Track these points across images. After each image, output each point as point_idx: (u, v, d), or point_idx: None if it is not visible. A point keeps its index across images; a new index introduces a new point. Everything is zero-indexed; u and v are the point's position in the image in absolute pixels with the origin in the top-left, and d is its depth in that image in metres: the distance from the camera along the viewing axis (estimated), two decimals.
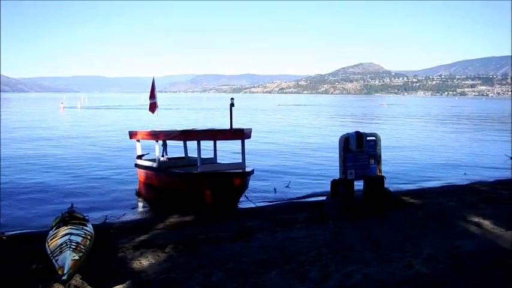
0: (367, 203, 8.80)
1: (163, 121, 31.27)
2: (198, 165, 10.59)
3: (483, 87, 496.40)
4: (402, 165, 16.80)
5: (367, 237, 6.74)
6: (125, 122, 40.63)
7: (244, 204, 10.81)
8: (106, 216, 9.34)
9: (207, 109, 76.29)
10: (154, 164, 12.28)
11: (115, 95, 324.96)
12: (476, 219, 7.70)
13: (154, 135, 12.48)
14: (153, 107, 13.62)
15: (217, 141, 12.70)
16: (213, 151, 12.77)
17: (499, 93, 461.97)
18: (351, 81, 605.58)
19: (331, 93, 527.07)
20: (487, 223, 7.45)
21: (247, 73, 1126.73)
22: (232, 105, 10.84)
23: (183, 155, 13.71)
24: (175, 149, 14.28)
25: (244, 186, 10.42)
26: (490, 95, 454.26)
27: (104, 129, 32.29)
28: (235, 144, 12.02)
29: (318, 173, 14.91)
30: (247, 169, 10.72)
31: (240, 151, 11.26)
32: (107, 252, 6.30)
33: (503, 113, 75.75)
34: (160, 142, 12.77)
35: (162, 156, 12.80)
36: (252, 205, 10.67)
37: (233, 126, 10.89)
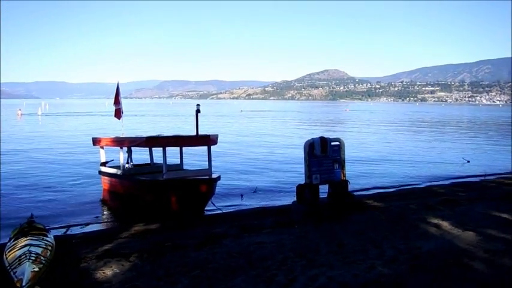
0: (332, 207, 8.96)
1: (129, 127, 30.75)
2: (164, 172, 10.48)
3: (442, 94, 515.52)
4: (365, 170, 17.23)
5: (331, 240, 6.86)
6: (88, 128, 39.62)
7: (211, 210, 10.77)
8: (68, 225, 9.08)
9: (173, 115, 75.50)
10: (119, 171, 12.06)
11: (78, 101, 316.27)
12: (435, 221, 7.98)
13: (119, 141, 12.26)
14: (118, 113, 13.38)
15: (184, 148, 12.62)
16: (179, 157, 12.68)
17: (457, 99, 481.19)
18: (317, 87, 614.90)
19: (298, 99, 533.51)
20: (445, 224, 7.74)
21: (214, 79, 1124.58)
22: (198, 111, 10.81)
23: (149, 162, 13.53)
24: (141, 155, 14.07)
25: (210, 192, 10.39)
26: (448, 100, 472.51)
27: (65, 136, 31.36)
28: (202, 151, 11.98)
29: (284, 178, 15.06)
30: (214, 175, 10.70)
31: (207, 157, 11.24)
32: (69, 263, 6.12)
33: (461, 119, 79.06)
34: (125, 149, 12.55)
35: (127, 163, 12.59)
36: (219, 211, 10.65)
37: (199, 132, 10.86)
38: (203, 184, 10.14)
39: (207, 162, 11.22)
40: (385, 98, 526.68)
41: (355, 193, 10.19)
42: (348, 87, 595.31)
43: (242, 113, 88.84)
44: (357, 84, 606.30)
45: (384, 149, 25.89)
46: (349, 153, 10.54)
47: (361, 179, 14.83)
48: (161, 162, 10.96)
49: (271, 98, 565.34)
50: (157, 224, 9.23)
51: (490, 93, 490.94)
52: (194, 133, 10.87)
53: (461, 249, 6.24)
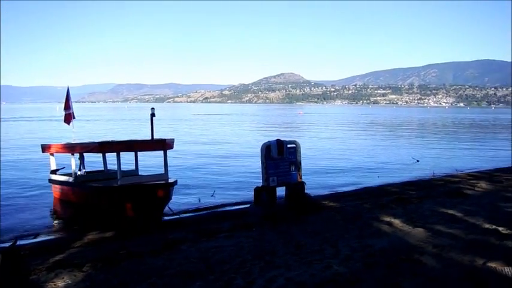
0: (289, 208, 9.09)
1: (81, 133, 29.71)
2: (118, 178, 10.22)
3: (393, 96, 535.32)
4: (321, 171, 17.59)
5: (289, 241, 6.95)
6: (37, 134, 37.86)
7: (168, 215, 10.61)
8: (16, 237, 8.62)
9: (128, 119, 73.69)
10: (71, 179, 11.61)
11: (27, 105, 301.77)
12: (388, 219, 8.28)
13: (70, 148, 11.81)
14: (68, 118, 12.90)
15: (139, 153, 12.36)
16: (134, 163, 12.40)
17: (406, 102, 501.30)
18: (274, 90, 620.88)
19: (255, 102, 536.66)
20: (397, 222, 8.05)
21: (170, 82, 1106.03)
22: (153, 115, 10.64)
23: (102, 169, 13.14)
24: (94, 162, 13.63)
25: (167, 197, 10.23)
26: (399, 103, 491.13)
27: (11, 143, 29.78)
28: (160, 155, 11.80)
29: (242, 181, 15.08)
30: (170, 180, 10.55)
31: (163, 162, 11.07)
32: (17, 276, 5.81)
33: (412, 120, 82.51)
34: (77, 155, 12.11)
35: (79, 170, 12.16)
36: (176, 216, 10.51)
37: (154, 137, 10.68)
38: (159, 189, 9.97)
39: (163, 167, 11.05)
40: (339, 101, 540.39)
41: (312, 194, 10.37)
42: (304, 91, 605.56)
43: (198, 116, 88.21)
44: (312, 88, 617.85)
45: (339, 150, 26.53)
46: (305, 155, 10.72)
47: (318, 180, 15.11)
48: (115, 168, 10.68)
49: (229, 101, 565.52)
50: (112, 231, 8.99)
51: (437, 96, 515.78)
52: (149, 137, 10.68)
53: (412, 245, 6.50)
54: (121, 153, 10.40)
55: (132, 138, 13.77)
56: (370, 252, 6.24)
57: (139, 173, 12.29)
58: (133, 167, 12.43)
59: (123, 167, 10.78)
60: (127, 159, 12.00)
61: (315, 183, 14.01)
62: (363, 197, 11.38)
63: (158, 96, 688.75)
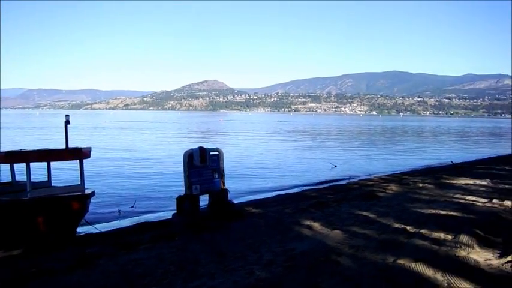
0: (213, 216, 9.04)
1: None
2: (28, 190, 9.44)
3: (313, 104, 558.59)
4: (244, 178, 17.79)
5: (212, 250, 6.91)
6: None
7: (84, 229, 10.02)
8: None
9: (40, 127, 68.63)
10: None
11: None
12: (308, 223, 8.57)
13: None
14: None
15: (52, 163, 11.54)
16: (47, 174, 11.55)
17: (325, 110, 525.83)
18: (197, 97, 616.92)
19: (178, 110, 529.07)
20: (316, 225, 8.36)
21: (88, 88, 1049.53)
22: (67, 122, 10.01)
23: (10, 180, 12.05)
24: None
25: (83, 210, 9.65)
26: (318, 111, 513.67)
27: None
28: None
29: (164, 191, 14.76)
30: (87, 191, 9.98)
31: (79, 172, 10.44)
32: None
33: (330, 127, 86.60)
34: None
35: None
36: (94, 230, 9.97)
37: (69, 145, 10.05)
38: (74, 201, 9.38)
39: (79, 177, 10.42)
40: (262, 109, 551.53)
41: (235, 201, 10.42)
42: (227, 98, 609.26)
43: (118, 124, 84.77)
44: (236, 95, 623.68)
45: (261, 157, 27.03)
46: (227, 162, 10.76)
47: (240, 187, 15.25)
48: (25, 179, 9.85)
49: (151, 108, 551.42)
50: (21, 249, 8.27)
51: (353, 104, 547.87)
52: (63, 146, 10.03)
53: (330, 247, 6.78)
54: (32, 163, 9.62)
55: (44, 147, 12.80)
56: (292, 255, 6.40)
57: (53, 185, 11.47)
58: (46, 178, 11.57)
59: (35, 178, 9.99)
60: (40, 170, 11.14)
61: (238, 190, 14.12)
62: (284, 202, 11.68)
63: (74, 102, 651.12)
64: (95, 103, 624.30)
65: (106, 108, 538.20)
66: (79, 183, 10.38)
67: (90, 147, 10.74)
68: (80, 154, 10.25)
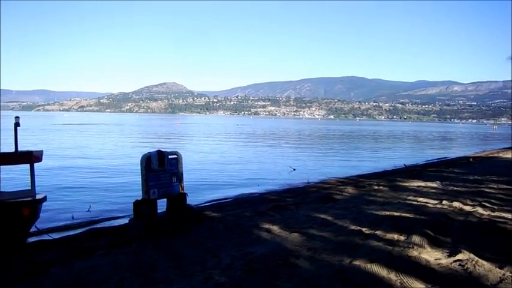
0: (171, 220, 8.90)
1: None
2: None
3: (272, 108, 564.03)
4: (203, 181, 17.66)
5: (170, 255, 6.80)
6: None
7: (35, 236, 9.57)
8: None
9: None
10: None
11: None
12: (267, 226, 8.62)
13: None
14: None
15: (1, 167, 10.95)
16: None
17: (284, 113, 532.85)
18: (156, 100, 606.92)
19: (136, 112, 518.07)
20: (275, 228, 8.43)
21: (41, 89, 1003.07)
22: (17, 124, 9.54)
23: None
24: None
25: (34, 216, 9.21)
26: (277, 114, 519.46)
27: None
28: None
29: (120, 195, 14.37)
30: (38, 196, 9.54)
31: (29, 177, 9.96)
32: None
33: (289, 131, 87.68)
34: None
35: None
36: (46, 237, 9.55)
37: (19, 149, 9.58)
38: (24, 207, 8.94)
39: (30, 182, 9.95)
40: (222, 112, 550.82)
41: (194, 205, 10.32)
42: (186, 101, 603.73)
43: (72, 126, 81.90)
44: (195, 98, 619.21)
45: (221, 160, 26.95)
46: (186, 165, 10.65)
47: (200, 190, 15.13)
48: None
49: (107, 110, 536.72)
50: None
51: (311, 108, 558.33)
52: (13, 149, 9.54)
53: (289, 250, 6.85)
54: None
55: None
56: (251, 259, 6.41)
57: (1, 190, 10.89)
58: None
59: None
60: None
61: (197, 194, 14.00)
62: (243, 206, 11.69)
63: (26, 103, 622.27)
64: (48, 104, 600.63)
65: (60, 110, 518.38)
66: (29, 188, 9.92)
67: (41, 151, 10.29)
68: (31, 158, 9.79)
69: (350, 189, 14.10)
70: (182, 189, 9.39)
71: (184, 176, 9.56)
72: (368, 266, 5.81)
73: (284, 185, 17.10)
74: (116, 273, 6.01)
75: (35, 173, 10.10)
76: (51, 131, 62.78)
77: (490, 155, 31.41)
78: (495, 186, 13.93)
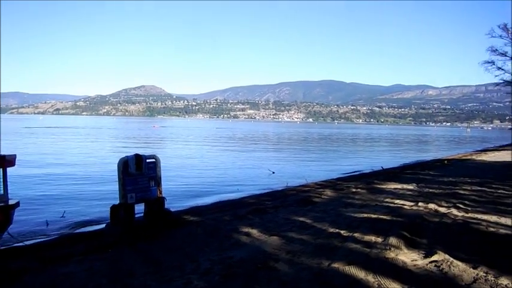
0: (149, 225, 8.79)
1: None
2: None
3: (251, 111, 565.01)
4: (181, 185, 17.52)
5: (148, 260, 6.71)
6: None
7: (8, 243, 9.29)
8: None
9: None
10: None
11: None
12: (246, 230, 8.59)
13: None
14: None
15: None
16: None
17: (263, 117, 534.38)
18: (134, 103, 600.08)
19: (114, 115, 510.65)
20: (254, 231, 8.41)
21: (15, 91, 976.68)
22: None
23: None
24: None
25: (6, 222, 8.94)
26: (257, 118, 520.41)
27: None
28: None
29: (97, 200, 14.10)
30: (11, 201, 9.27)
31: (1, 181, 9.68)
32: None
33: (268, 134, 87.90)
34: None
35: None
36: (19, 243, 9.28)
37: None
38: None
39: (2, 187, 9.66)
40: (201, 115, 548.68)
41: (172, 209, 10.21)
42: (165, 104, 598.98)
43: (47, 129, 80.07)
44: (174, 101, 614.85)
45: (200, 164, 26.80)
46: (165, 169, 10.54)
47: (178, 194, 14.99)
48: None
49: (84, 113, 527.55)
50: None
51: (290, 112, 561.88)
52: None
53: (268, 253, 6.85)
54: None
55: None
56: (230, 263, 6.38)
57: None
58: None
59: None
60: None
61: (175, 198, 13.86)
62: (223, 210, 11.63)
63: None
64: (22, 107, 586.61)
65: (34, 113, 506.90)
66: (2, 193, 9.65)
67: (15, 155, 10.01)
68: (3, 162, 9.53)
69: (329, 192, 14.20)
70: (160, 193, 9.28)
71: (163, 180, 9.46)
72: (346, 268, 5.86)
73: (263, 189, 17.09)
74: (92, 279, 5.89)
75: (8, 178, 9.85)
76: (26, 134, 61.24)
77: (464, 158, 32.19)
78: (469, 188, 14.27)
